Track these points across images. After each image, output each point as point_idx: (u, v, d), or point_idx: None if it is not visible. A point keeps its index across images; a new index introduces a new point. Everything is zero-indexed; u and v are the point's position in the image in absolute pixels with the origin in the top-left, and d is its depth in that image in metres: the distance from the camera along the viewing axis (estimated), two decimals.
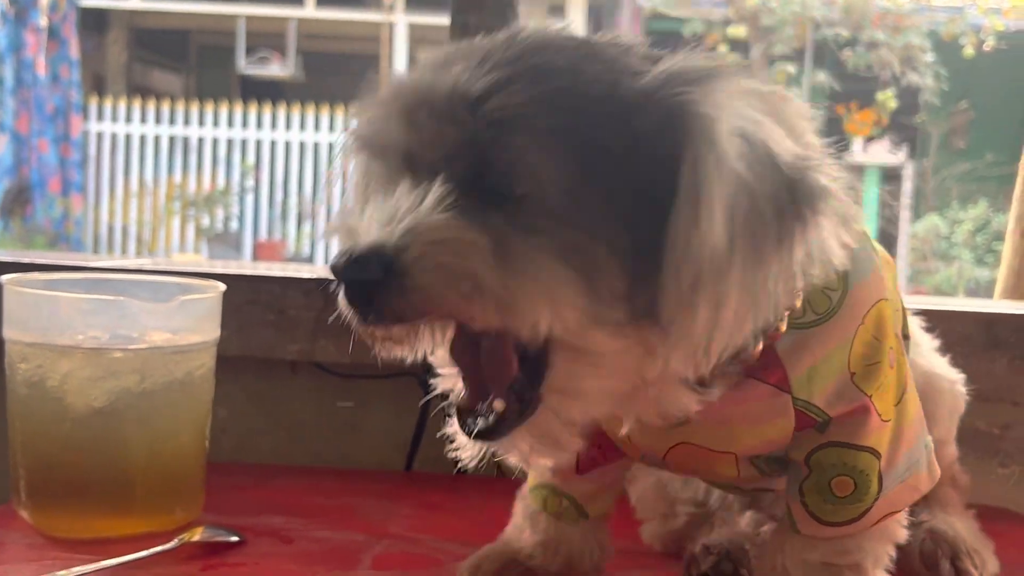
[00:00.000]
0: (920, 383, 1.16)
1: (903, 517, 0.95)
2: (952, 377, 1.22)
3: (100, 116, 9.88)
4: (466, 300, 0.71)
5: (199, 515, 1.24)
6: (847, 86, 10.24)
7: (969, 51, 9.92)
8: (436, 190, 0.71)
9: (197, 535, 1.16)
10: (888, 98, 9.98)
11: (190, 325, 1.19)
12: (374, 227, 0.71)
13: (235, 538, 1.17)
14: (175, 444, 1.20)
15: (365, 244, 0.70)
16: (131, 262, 1.87)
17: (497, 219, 0.71)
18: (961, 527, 1.18)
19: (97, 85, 10.80)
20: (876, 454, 0.89)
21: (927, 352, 1.21)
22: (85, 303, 1.16)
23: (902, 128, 10.27)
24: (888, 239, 10.17)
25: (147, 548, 1.11)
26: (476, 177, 0.72)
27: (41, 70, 9.22)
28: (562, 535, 1.06)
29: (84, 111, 9.69)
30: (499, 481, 1.12)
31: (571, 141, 0.72)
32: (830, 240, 0.76)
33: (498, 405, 0.77)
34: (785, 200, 0.73)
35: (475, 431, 0.78)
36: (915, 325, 1.22)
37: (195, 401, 1.22)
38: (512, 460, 0.81)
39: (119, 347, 1.14)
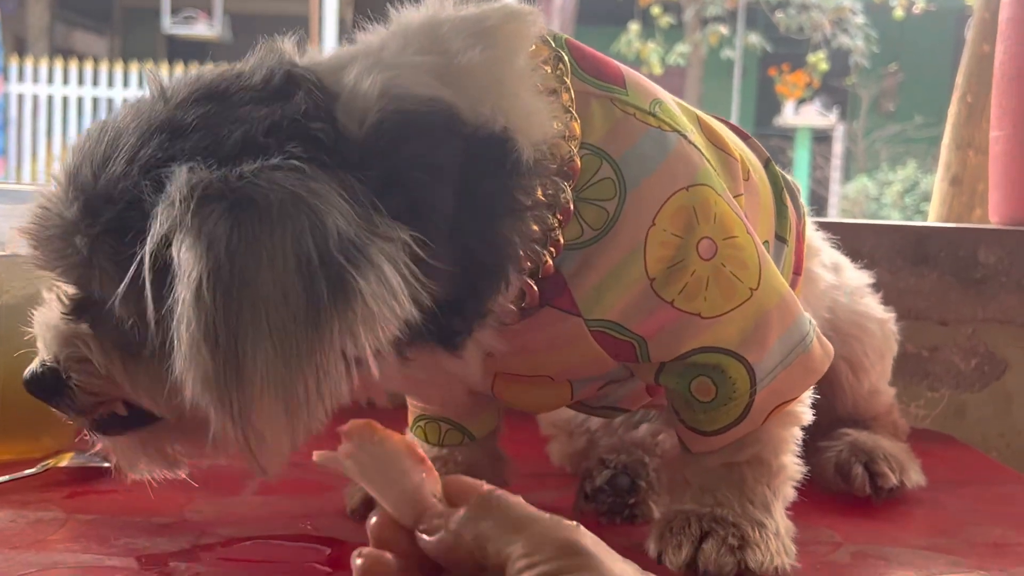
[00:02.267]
0: (846, 326, 1.13)
1: (806, 396, 0.88)
2: (881, 316, 1.17)
3: (21, 77, 9.60)
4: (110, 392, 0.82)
5: (70, 443, 1.14)
6: (779, 48, 10.27)
7: (899, 13, 10.00)
8: (78, 325, 0.80)
9: (65, 460, 1.07)
10: (819, 60, 10.02)
11: None
12: (43, 348, 0.83)
13: (107, 464, 1.07)
14: None
15: (39, 367, 0.83)
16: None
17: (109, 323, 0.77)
18: (884, 441, 1.12)
19: (18, 46, 10.50)
20: (723, 351, 0.82)
21: (854, 290, 1.15)
22: None
23: (833, 90, 10.34)
24: (819, 200, 10.25)
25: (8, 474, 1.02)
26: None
27: None
28: (455, 449, 1.00)
29: (4, 72, 9.41)
30: (401, 410, 1.06)
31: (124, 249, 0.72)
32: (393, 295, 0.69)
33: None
34: (303, 300, 0.67)
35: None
36: (843, 260, 1.17)
37: None
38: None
39: None
